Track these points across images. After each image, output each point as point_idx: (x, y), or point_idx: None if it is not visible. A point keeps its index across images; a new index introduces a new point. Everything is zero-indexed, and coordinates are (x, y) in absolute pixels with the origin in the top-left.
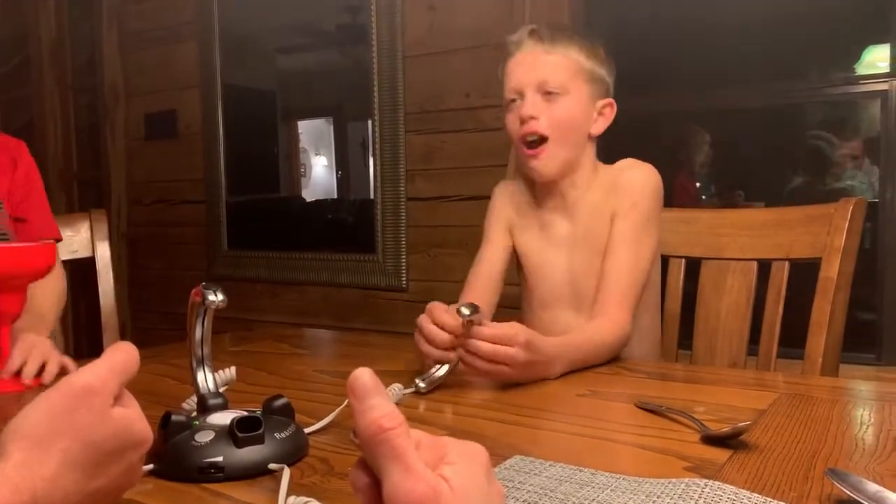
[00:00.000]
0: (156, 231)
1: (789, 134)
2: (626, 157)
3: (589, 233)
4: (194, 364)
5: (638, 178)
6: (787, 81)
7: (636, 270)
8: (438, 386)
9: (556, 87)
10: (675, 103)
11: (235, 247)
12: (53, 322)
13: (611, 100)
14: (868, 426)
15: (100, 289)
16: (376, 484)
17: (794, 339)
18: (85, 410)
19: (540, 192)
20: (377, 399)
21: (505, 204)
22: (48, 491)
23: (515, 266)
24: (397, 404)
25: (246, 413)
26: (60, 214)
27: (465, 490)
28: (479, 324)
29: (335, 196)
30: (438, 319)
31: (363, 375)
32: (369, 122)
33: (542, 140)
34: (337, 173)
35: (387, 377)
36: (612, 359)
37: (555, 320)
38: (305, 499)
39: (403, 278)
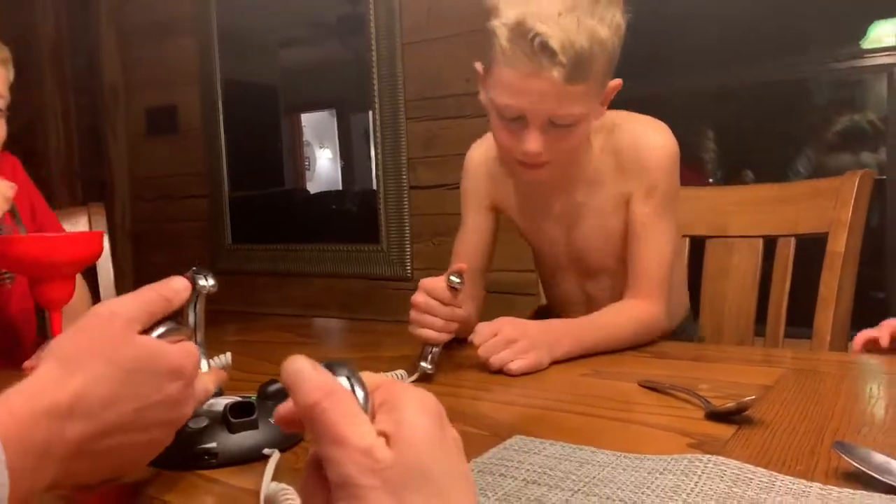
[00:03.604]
0: (159, 227)
1: (794, 111)
2: None
3: (592, 204)
4: None
5: (653, 152)
6: (790, 57)
7: (663, 254)
8: (439, 364)
9: (571, 120)
10: (673, 83)
11: (239, 241)
12: None
13: (618, 82)
14: (877, 400)
15: (99, 283)
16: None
17: (801, 318)
18: (106, 331)
19: None
20: (305, 375)
21: (483, 181)
22: (70, 403)
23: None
24: None
25: (239, 398)
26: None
27: (412, 439)
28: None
29: (340, 188)
30: (432, 289)
31: (293, 362)
32: (370, 112)
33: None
34: (340, 164)
35: (392, 363)
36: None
37: (567, 289)
38: (283, 486)
39: (408, 267)
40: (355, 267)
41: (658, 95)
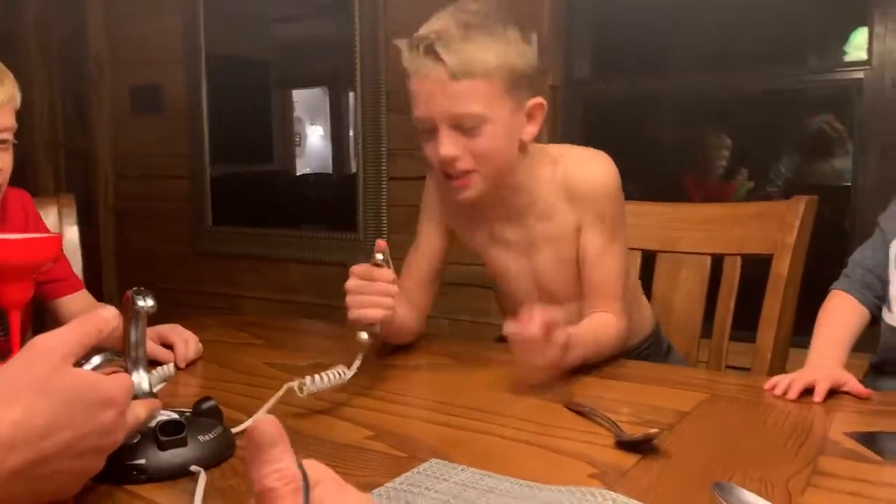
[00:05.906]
0: (142, 205)
1: (781, 117)
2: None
3: (546, 234)
4: (129, 366)
5: (595, 181)
6: (774, 65)
7: (618, 274)
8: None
9: (473, 121)
10: (658, 84)
11: (220, 222)
12: None
13: (539, 100)
14: (781, 430)
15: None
16: None
17: (751, 323)
18: (42, 365)
19: (480, 201)
20: (275, 451)
21: (441, 203)
22: (11, 433)
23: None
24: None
25: (173, 416)
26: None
27: None
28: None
29: (330, 170)
30: (359, 272)
31: (264, 427)
32: (351, 98)
33: (467, 171)
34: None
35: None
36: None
37: None
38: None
39: None
40: (332, 255)
41: (661, 93)
